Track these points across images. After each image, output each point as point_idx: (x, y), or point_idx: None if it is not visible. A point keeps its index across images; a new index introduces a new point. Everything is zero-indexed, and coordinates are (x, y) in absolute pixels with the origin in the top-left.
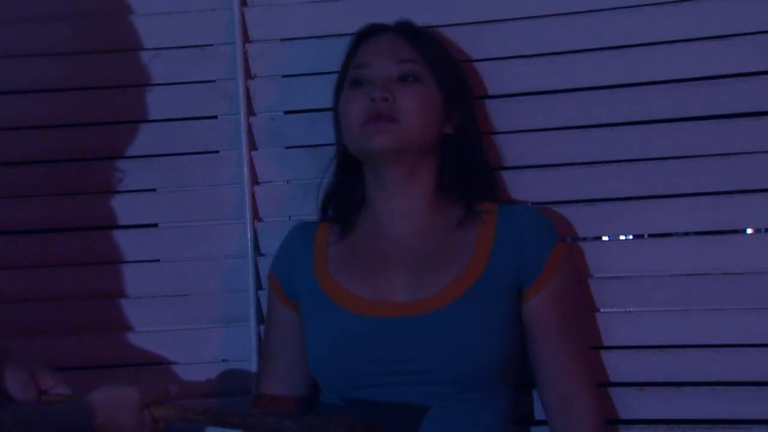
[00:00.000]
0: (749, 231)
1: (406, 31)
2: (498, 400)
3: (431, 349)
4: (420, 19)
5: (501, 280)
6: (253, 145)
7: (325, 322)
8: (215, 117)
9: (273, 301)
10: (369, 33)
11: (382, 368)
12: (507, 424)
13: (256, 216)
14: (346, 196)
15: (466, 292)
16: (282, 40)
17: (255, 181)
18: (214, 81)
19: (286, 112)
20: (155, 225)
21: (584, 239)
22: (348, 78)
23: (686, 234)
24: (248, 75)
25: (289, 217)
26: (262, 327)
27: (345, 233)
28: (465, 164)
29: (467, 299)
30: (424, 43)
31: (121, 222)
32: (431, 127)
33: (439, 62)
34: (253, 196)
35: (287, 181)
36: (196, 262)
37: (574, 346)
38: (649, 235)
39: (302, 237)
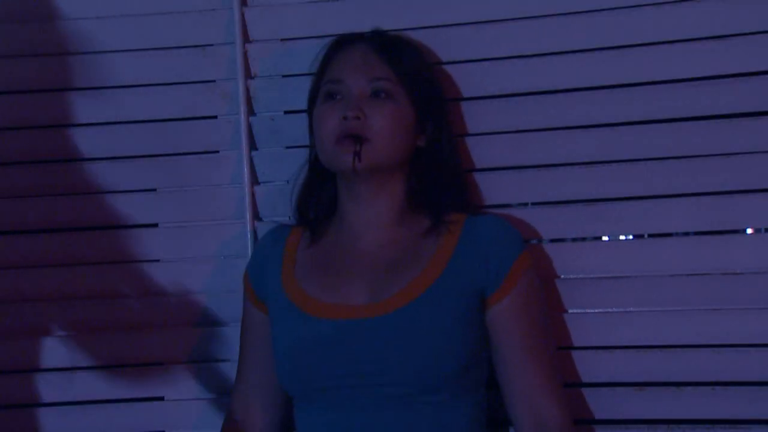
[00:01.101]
0: (749, 231)
1: (379, 44)
2: (463, 404)
3: (388, 351)
4: (420, 20)
5: (460, 283)
6: (252, 145)
7: (286, 324)
8: (215, 117)
9: (246, 302)
10: (342, 44)
11: (340, 370)
12: (477, 428)
13: (256, 216)
14: (317, 201)
15: (423, 294)
16: (282, 40)
17: (255, 181)
18: (214, 81)
19: (286, 112)
20: (155, 225)
21: (584, 239)
22: (322, 90)
23: (686, 234)
24: (248, 75)
25: (289, 217)
26: None
27: (315, 238)
28: (435, 176)
29: (423, 300)
30: (397, 58)
31: (121, 222)
32: (403, 143)
33: (412, 78)
34: (252, 196)
35: (287, 181)
36: (196, 262)
37: (538, 353)
38: (649, 235)
39: (274, 240)
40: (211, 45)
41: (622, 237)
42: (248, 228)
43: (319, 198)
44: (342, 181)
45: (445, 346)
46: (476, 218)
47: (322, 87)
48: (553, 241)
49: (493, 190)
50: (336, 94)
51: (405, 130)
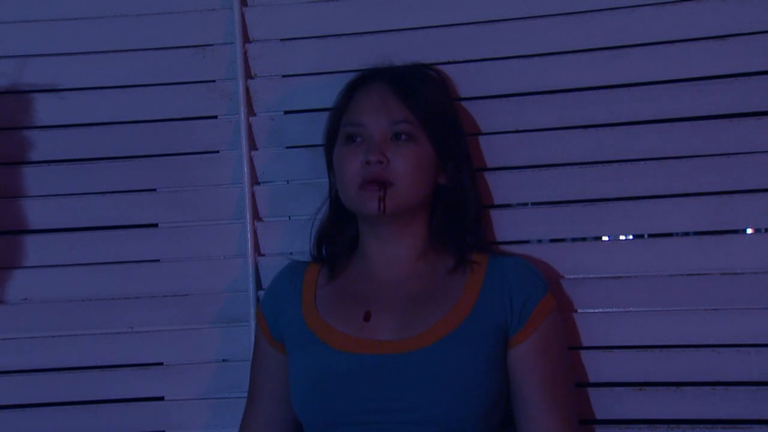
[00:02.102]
0: (749, 231)
1: (399, 84)
2: None
3: (415, 388)
4: (420, 20)
5: (487, 322)
6: (253, 145)
7: (310, 359)
8: (215, 117)
9: (259, 338)
10: (360, 83)
11: (365, 406)
12: None
13: (256, 216)
14: (338, 238)
15: (452, 332)
16: (282, 40)
17: (255, 181)
18: (214, 81)
19: (286, 112)
20: (155, 225)
21: (584, 239)
22: (342, 132)
23: (686, 234)
24: (248, 75)
25: (289, 217)
26: None
27: (335, 274)
28: (457, 214)
29: (452, 339)
30: (416, 98)
31: (121, 222)
32: (425, 184)
33: (431, 118)
34: (253, 196)
35: (287, 181)
36: (196, 262)
37: (557, 395)
38: (649, 235)
39: (291, 277)
40: (211, 45)
41: (622, 237)
42: (248, 228)
43: (341, 235)
44: (364, 222)
45: (474, 386)
46: (499, 259)
47: (342, 128)
48: (553, 241)
49: (493, 189)
50: (357, 137)
51: (427, 170)
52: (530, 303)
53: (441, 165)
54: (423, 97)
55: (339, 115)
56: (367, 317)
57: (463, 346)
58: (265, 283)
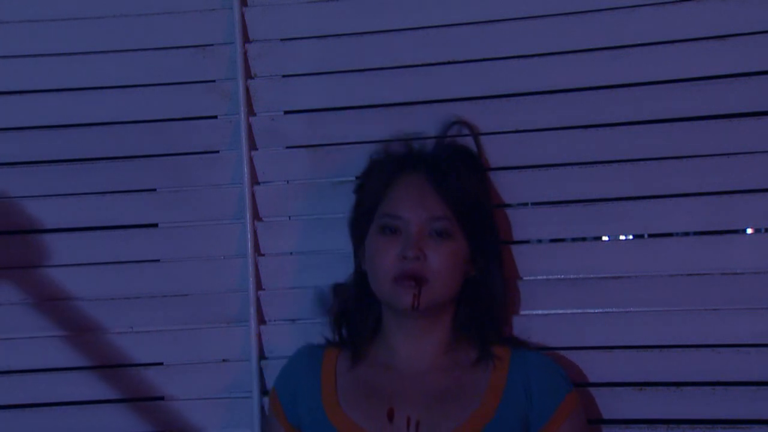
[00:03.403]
0: (749, 231)
1: (438, 177)
2: None
3: None
4: (420, 20)
5: (512, 422)
6: (253, 145)
7: None
8: (215, 117)
9: (272, 419)
10: (399, 172)
11: None
12: None
13: (256, 216)
14: (361, 323)
15: None
16: (282, 39)
17: (255, 181)
18: (214, 81)
19: (286, 112)
20: (155, 225)
21: (584, 239)
22: (379, 221)
23: (686, 234)
24: (248, 75)
25: (289, 217)
26: (262, 327)
27: (356, 361)
28: (484, 307)
29: None
30: (454, 193)
31: (121, 222)
32: (458, 279)
33: (468, 215)
34: (253, 195)
35: (287, 181)
36: (196, 262)
37: None
38: (649, 235)
39: (309, 361)
40: (211, 45)
41: (622, 237)
42: (248, 228)
43: (364, 319)
44: (391, 312)
45: None
46: (522, 354)
47: (380, 218)
48: (553, 241)
49: (493, 189)
50: (394, 229)
51: (461, 266)
52: (553, 402)
53: (473, 258)
54: (461, 192)
55: (375, 200)
56: (390, 415)
57: None
58: (266, 283)
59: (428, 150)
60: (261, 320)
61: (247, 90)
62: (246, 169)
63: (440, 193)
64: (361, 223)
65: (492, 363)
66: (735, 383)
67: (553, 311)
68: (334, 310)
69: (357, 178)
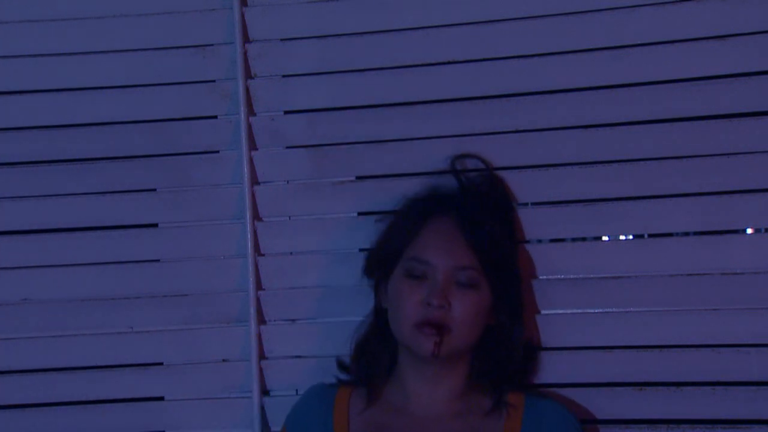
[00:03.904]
0: (749, 231)
1: (467, 225)
2: None
3: None
4: (420, 20)
5: None
6: (252, 145)
7: None
8: (215, 117)
9: None
10: (427, 215)
11: None
12: None
13: (256, 216)
14: (377, 362)
15: None
16: (282, 39)
17: (255, 181)
18: (214, 81)
19: (286, 112)
20: (155, 225)
21: (584, 239)
22: (405, 264)
23: (686, 234)
24: (248, 75)
25: (289, 217)
26: (262, 327)
27: (370, 401)
28: (501, 354)
29: None
30: (483, 244)
31: (121, 222)
32: (480, 329)
33: (496, 266)
34: (253, 195)
35: (287, 181)
36: (197, 262)
37: None
38: (649, 235)
39: (320, 402)
40: (211, 45)
41: (622, 237)
42: (248, 228)
43: (380, 358)
44: (408, 355)
45: None
46: (536, 402)
47: (406, 261)
48: (553, 241)
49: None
50: (419, 274)
51: (483, 316)
52: None
53: (495, 307)
54: (490, 243)
55: (403, 242)
56: None
57: None
58: (266, 283)
59: (458, 192)
60: (261, 320)
61: (247, 90)
62: (246, 169)
63: (469, 241)
64: (386, 262)
65: (506, 411)
66: (735, 383)
67: (552, 311)
68: (351, 347)
69: (385, 214)
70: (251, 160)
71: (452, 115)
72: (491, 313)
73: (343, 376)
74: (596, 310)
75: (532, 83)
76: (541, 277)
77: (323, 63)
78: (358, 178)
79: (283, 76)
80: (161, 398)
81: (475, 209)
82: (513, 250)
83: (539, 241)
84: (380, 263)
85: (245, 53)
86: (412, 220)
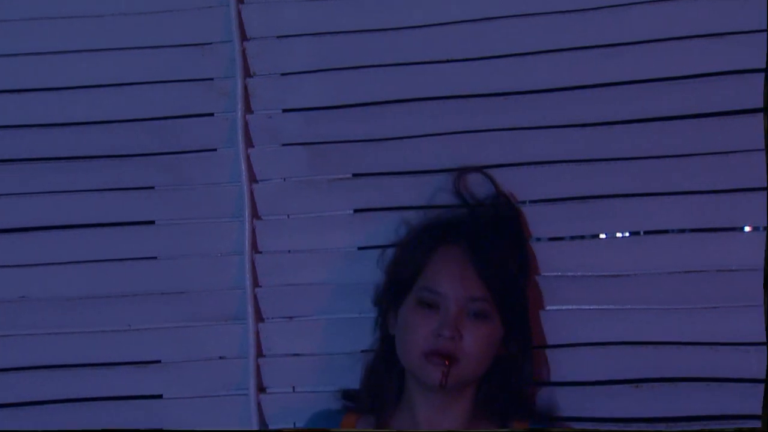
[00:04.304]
0: (747, 229)
1: (479, 255)
2: None
3: None
4: (417, 19)
5: None
6: (249, 143)
7: None
8: (212, 114)
9: None
10: (439, 244)
11: None
12: None
13: (255, 214)
14: (385, 390)
15: None
16: (278, 37)
17: (252, 178)
18: (212, 79)
19: (284, 110)
20: (152, 222)
21: (582, 237)
22: (417, 294)
23: (682, 231)
24: (247, 73)
25: (288, 216)
26: (260, 325)
27: (378, 428)
28: (509, 383)
29: None
30: (496, 275)
31: (119, 220)
32: (489, 359)
33: (507, 297)
34: (251, 193)
35: (283, 179)
36: (194, 260)
37: None
38: (645, 233)
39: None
40: (210, 43)
41: (618, 234)
42: (246, 225)
43: (388, 385)
44: (416, 383)
45: None
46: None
47: (418, 291)
48: (551, 239)
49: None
50: (431, 303)
51: (493, 347)
52: None
53: (506, 339)
54: (502, 273)
55: (414, 271)
56: None
57: None
58: (263, 280)
59: (469, 220)
60: (259, 318)
61: (245, 88)
62: (243, 167)
63: (481, 273)
64: (396, 291)
65: None
66: (731, 380)
67: (550, 308)
68: (362, 382)
69: (393, 245)
70: (248, 158)
71: (448, 113)
72: (501, 343)
73: (349, 404)
74: (592, 307)
75: (529, 81)
76: (538, 276)
77: (320, 60)
78: (355, 175)
79: (282, 74)
80: (159, 396)
81: (486, 239)
82: (525, 281)
83: (538, 239)
84: (390, 292)
85: (243, 51)
86: (422, 248)
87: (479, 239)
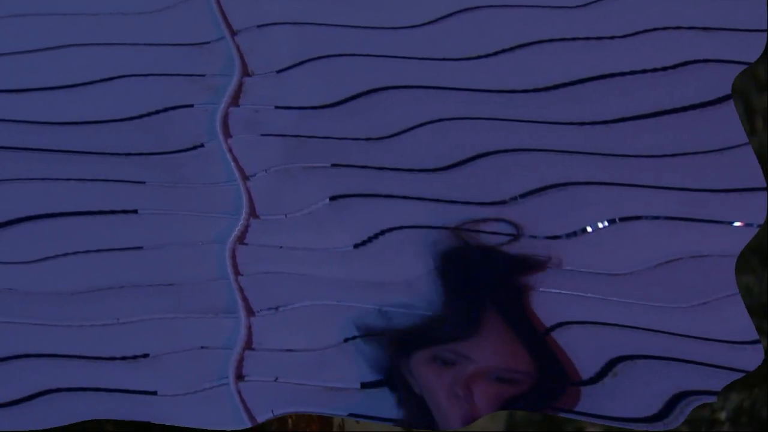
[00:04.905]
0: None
1: None
2: None
3: None
4: (414, 17)
5: None
6: (229, 134)
7: None
8: (192, 106)
9: None
10: None
11: None
12: None
13: (253, 214)
14: None
15: None
16: (259, 26)
17: (242, 171)
18: (203, 76)
19: (276, 107)
20: (135, 211)
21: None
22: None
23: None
24: (246, 73)
25: (286, 215)
26: (252, 319)
27: None
28: None
29: None
30: None
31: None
32: None
33: None
34: (248, 190)
35: (265, 171)
36: (182, 250)
37: None
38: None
39: None
40: (208, 42)
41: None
42: (242, 223)
43: None
44: None
45: None
46: None
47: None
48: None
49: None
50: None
51: None
52: None
53: None
54: None
55: None
56: None
57: None
58: (244, 269)
59: None
60: (249, 311)
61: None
62: (229, 158)
63: None
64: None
65: None
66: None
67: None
68: None
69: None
70: (230, 150)
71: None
72: None
73: None
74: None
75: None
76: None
77: (302, 51)
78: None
79: (278, 71)
80: (154, 393)
81: None
82: None
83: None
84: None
85: (238, 47)
86: None
87: None
